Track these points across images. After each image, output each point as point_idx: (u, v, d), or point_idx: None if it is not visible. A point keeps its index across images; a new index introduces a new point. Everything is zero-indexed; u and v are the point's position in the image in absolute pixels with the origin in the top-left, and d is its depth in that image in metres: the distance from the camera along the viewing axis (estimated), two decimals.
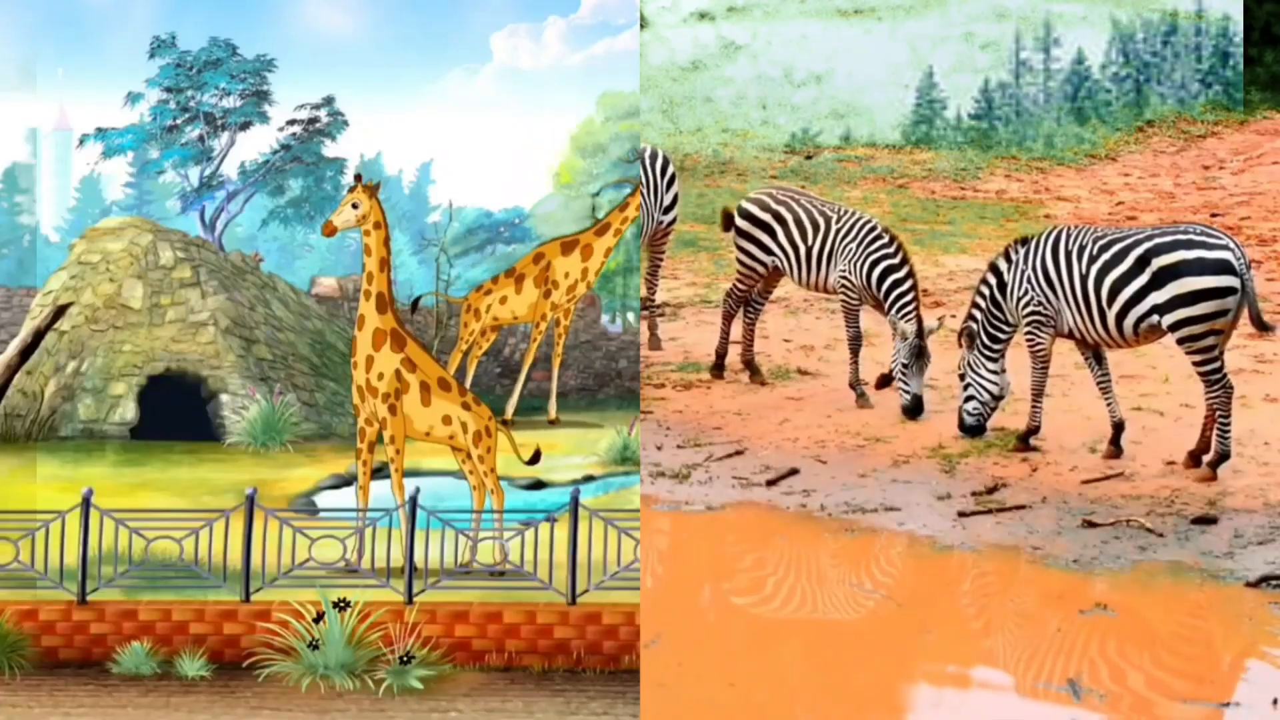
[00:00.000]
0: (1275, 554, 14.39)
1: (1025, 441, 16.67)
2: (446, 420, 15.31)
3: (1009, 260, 16.57)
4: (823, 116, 27.59)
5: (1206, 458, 15.90)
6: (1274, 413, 17.24)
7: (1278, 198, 24.79)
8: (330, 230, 14.93)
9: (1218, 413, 15.74)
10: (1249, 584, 13.93)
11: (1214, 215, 24.08)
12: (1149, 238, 15.84)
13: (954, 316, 20.43)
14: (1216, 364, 15.66)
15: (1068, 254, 16.22)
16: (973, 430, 16.97)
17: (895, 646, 13.31)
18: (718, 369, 18.82)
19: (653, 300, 20.41)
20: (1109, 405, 16.46)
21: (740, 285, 18.69)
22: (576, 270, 20.62)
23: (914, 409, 17.46)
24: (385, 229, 15.11)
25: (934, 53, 28.28)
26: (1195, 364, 15.76)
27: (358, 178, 15.10)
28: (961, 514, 15.53)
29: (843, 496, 16.04)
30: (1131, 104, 27.92)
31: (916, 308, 17.53)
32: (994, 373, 16.85)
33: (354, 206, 14.97)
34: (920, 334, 17.36)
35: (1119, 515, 15.23)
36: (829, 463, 16.77)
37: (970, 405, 16.93)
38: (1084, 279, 16.08)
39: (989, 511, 15.52)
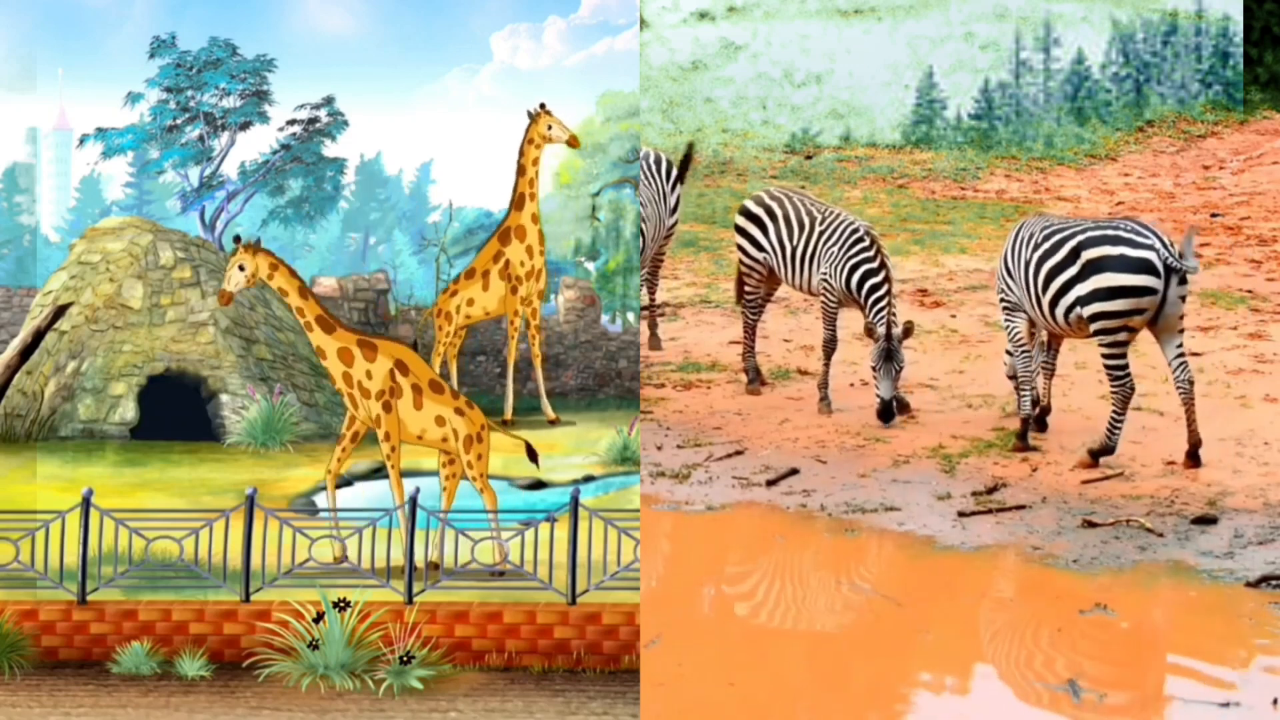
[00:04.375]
0: (1275, 554, 14.39)
1: (1024, 439, 16.67)
2: (440, 421, 15.30)
3: None
4: (823, 116, 27.59)
5: (1091, 448, 16.16)
6: (1274, 413, 17.25)
7: (1278, 198, 24.80)
8: (226, 298, 15.06)
9: (1113, 408, 15.98)
10: (1249, 584, 13.93)
11: (1214, 215, 24.09)
12: (1084, 230, 16.09)
13: (953, 316, 20.45)
14: (1123, 360, 15.88)
15: (1021, 243, 16.53)
16: (1035, 422, 17.05)
17: (895, 646, 13.31)
18: (753, 382, 18.63)
19: (654, 302, 20.40)
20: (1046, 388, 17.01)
21: (747, 289, 18.61)
22: (521, 253, 20.60)
23: (883, 413, 17.40)
24: (283, 265, 15.09)
25: (934, 53, 28.29)
26: (1103, 356, 15.99)
27: (236, 239, 15.16)
28: (961, 514, 15.53)
29: (843, 496, 16.04)
30: (1131, 104, 27.93)
31: (889, 310, 17.45)
32: (1007, 352, 17.13)
33: (240, 269, 14.98)
34: (889, 337, 17.30)
35: (1119, 515, 15.24)
36: (829, 463, 16.77)
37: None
38: (1028, 265, 16.36)
39: (989, 511, 15.52)
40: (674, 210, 20.47)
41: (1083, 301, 15.90)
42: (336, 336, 15.17)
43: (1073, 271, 15.96)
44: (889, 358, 17.30)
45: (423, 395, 15.27)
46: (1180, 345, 15.84)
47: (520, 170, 20.45)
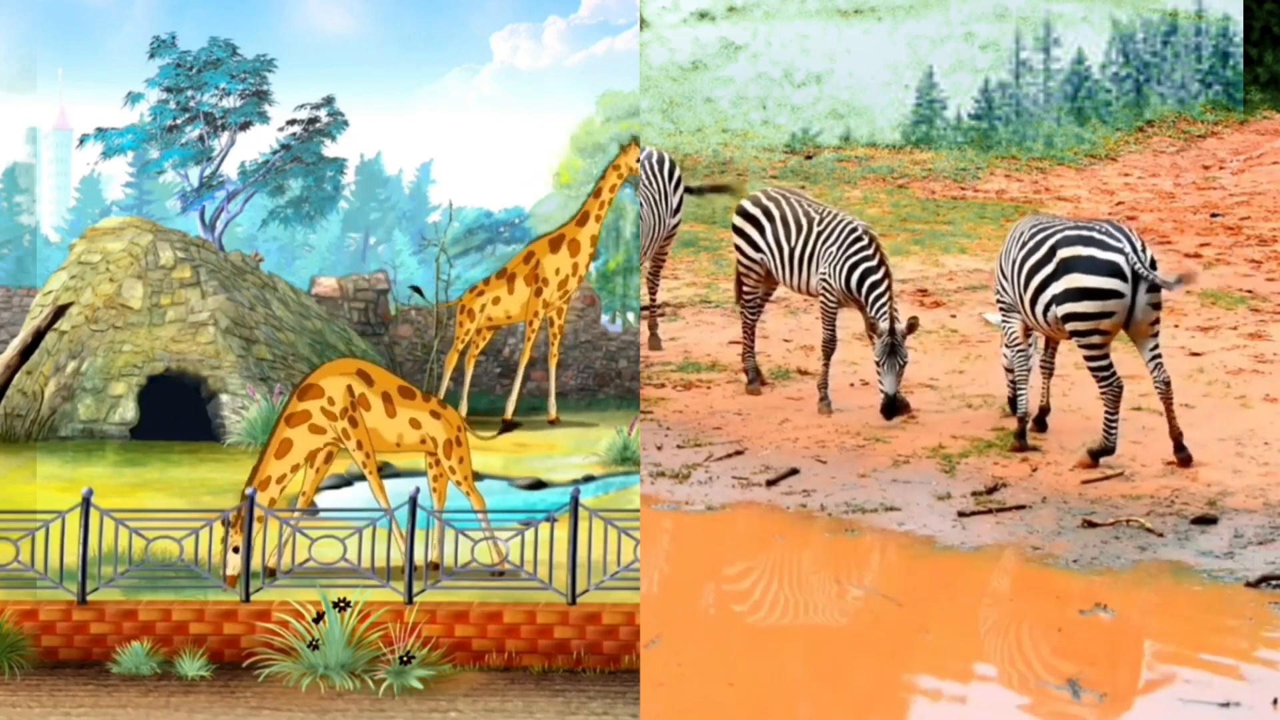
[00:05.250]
0: (1275, 554, 14.39)
1: (1022, 439, 16.66)
2: (415, 424, 15.33)
3: None
4: (823, 116, 27.59)
5: (1091, 449, 16.19)
6: (1274, 413, 17.25)
7: (1278, 198, 24.79)
8: (234, 582, 14.28)
9: (1105, 409, 15.99)
10: (1249, 584, 13.93)
11: (1214, 215, 24.09)
12: (1062, 230, 16.13)
13: (953, 316, 20.45)
14: (1104, 361, 15.88)
15: (1012, 242, 16.60)
16: (1011, 403, 17.27)
17: (895, 646, 13.31)
18: (753, 382, 18.61)
19: (654, 302, 20.40)
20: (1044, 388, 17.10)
21: (746, 290, 18.62)
22: (566, 266, 20.67)
23: (887, 408, 17.40)
24: (238, 516, 14.46)
25: (934, 53, 28.29)
26: (1084, 358, 16.03)
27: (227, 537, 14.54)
28: (961, 514, 15.53)
29: (843, 496, 16.04)
30: (1131, 104, 27.93)
31: (890, 306, 17.46)
32: (1005, 346, 17.15)
33: (235, 550, 14.39)
34: (893, 332, 17.31)
35: (1119, 515, 15.24)
36: (829, 463, 16.77)
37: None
38: (1015, 264, 16.45)
39: (989, 511, 15.52)
40: (675, 210, 20.43)
41: (1056, 301, 15.93)
42: (285, 430, 15.07)
43: (1048, 271, 16.01)
44: (893, 353, 17.32)
45: (393, 403, 15.30)
46: (1155, 347, 15.85)
47: (596, 192, 20.77)
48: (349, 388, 15.19)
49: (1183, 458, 15.97)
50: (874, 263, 17.56)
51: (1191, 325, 19.62)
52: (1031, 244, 16.21)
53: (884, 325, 17.35)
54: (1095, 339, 15.82)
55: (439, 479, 15.42)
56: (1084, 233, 15.92)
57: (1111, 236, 15.77)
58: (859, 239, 17.67)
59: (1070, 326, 15.88)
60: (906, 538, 15.20)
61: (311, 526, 14.96)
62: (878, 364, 17.43)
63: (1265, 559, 14.30)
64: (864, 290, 17.57)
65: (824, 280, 17.88)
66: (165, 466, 18.97)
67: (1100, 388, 15.97)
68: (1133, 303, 15.64)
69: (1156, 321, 15.82)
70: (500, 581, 14.52)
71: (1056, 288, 15.92)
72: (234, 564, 14.49)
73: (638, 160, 20.53)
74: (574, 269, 20.67)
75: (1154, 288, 15.68)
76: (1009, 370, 17.23)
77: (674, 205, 20.35)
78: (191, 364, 20.99)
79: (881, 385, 17.44)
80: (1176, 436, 16.00)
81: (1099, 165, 26.38)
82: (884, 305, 17.43)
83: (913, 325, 17.40)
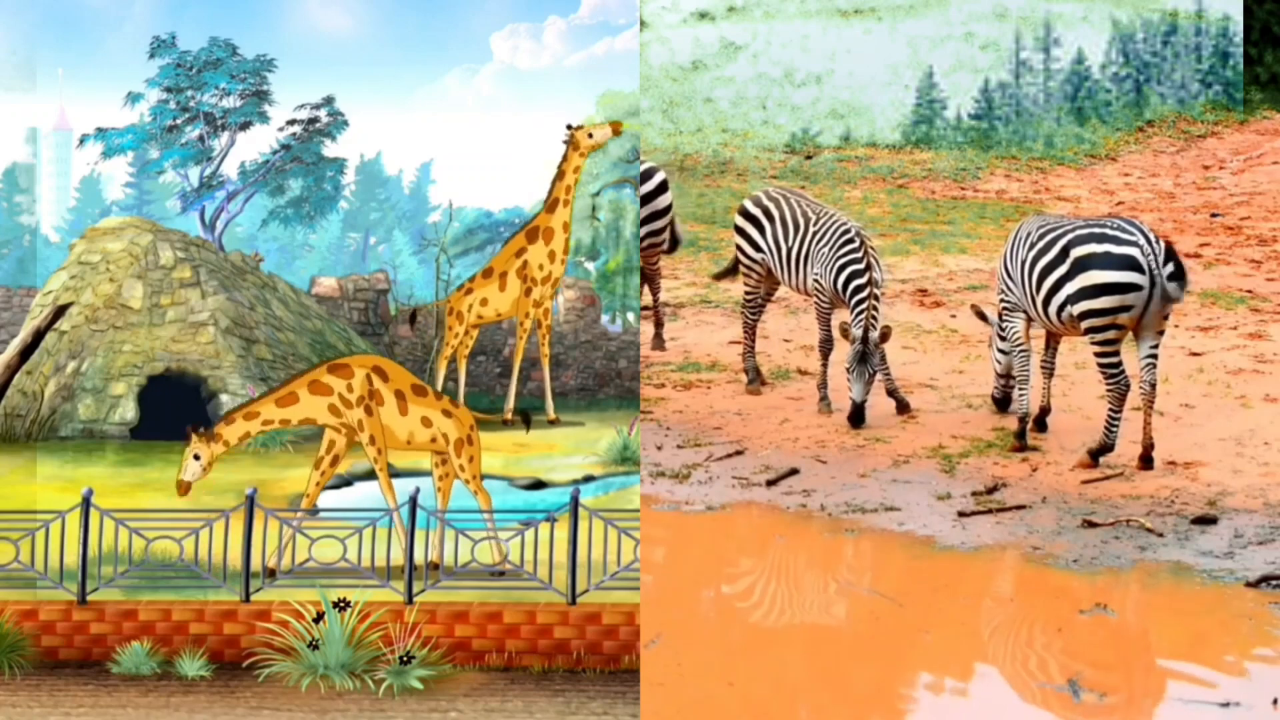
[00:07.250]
0: (1275, 554, 14.39)
1: (1022, 439, 16.66)
2: (426, 423, 15.32)
3: None
4: (823, 116, 27.60)
5: (1091, 448, 16.23)
6: (1274, 413, 17.25)
7: (1278, 198, 24.81)
8: (185, 488, 14.64)
9: (1109, 407, 16.02)
10: (1249, 584, 13.93)
11: (1214, 215, 24.09)
12: (1073, 229, 16.17)
13: (953, 316, 20.45)
14: (1114, 359, 15.90)
15: (1018, 243, 16.60)
16: (995, 402, 17.47)
17: (895, 646, 13.31)
18: (753, 382, 18.60)
19: (657, 303, 20.33)
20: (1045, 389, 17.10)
21: (747, 289, 18.61)
22: (544, 256, 20.61)
23: (853, 416, 17.37)
24: (221, 435, 14.72)
25: (934, 53, 28.30)
26: (1095, 354, 16.02)
27: (194, 428, 14.73)
28: (961, 514, 15.53)
29: (843, 496, 16.04)
30: (1131, 104, 27.94)
31: (869, 313, 17.31)
32: (1001, 350, 17.15)
33: (196, 458, 14.65)
34: (865, 340, 17.19)
35: (1119, 515, 15.24)
36: (829, 463, 16.77)
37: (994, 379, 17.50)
38: (1024, 265, 16.44)
39: (989, 511, 15.52)
40: (645, 220, 20.15)
41: (1072, 300, 15.94)
42: (300, 387, 15.09)
43: (1062, 270, 16.02)
44: (863, 360, 17.22)
45: (406, 400, 15.30)
46: (1155, 347, 15.83)
47: (559, 175, 20.47)
48: (369, 377, 15.21)
49: (1146, 465, 16.02)
50: (860, 265, 17.44)
51: (1191, 325, 19.62)
52: (1041, 244, 16.21)
53: (856, 332, 17.22)
54: (1111, 334, 15.83)
55: (445, 479, 15.42)
56: (1096, 230, 15.95)
57: (1125, 231, 15.80)
58: (849, 240, 17.61)
59: (1087, 324, 15.88)
60: (906, 538, 15.20)
61: (312, 526, 14.96)
62: (847, 370, 17.35)
63: (1265, 559, 14.30)
64: (848, 293, 17.50)
65: (817, 281, 17.86)
66: (165, 466, 18.91)
67: (1107, 385, 15.97)
68: (1150, 295, 15.65)
69: (1168, 316, 15.85)
70: (500, 581, 14.52)
71: (1071, 286, 15.92)
72: (190, 470, 14.56)
73: (590, 135, 20.32)
74: (551, 257, 20.56)
75: (1171, 278, 15.67)
76: (1003, 376, 17.23)
77: (641, 216, 20.11)
78: (191, 364, 20.99)
79: (850, 392, 17.36)
80: (1148, 445, 16.01)
81: (1099, 165, 26.38)
82: (862, 310, 17.27)
83: (885, 334, 17.29)
